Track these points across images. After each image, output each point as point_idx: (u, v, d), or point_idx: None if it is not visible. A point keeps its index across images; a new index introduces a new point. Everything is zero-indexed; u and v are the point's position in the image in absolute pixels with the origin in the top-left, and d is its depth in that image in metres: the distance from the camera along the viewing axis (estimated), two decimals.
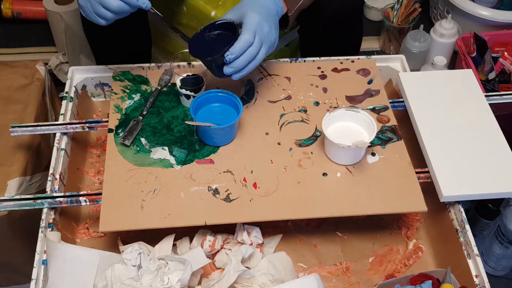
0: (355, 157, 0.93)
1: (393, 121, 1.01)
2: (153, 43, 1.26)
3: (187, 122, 0.96)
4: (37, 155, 1.11)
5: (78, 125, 1.01)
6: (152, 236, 0.89)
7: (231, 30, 0.88)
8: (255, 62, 0.87)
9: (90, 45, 1.22)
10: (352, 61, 1.12)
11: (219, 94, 0.96)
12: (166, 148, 0.95)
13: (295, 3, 0.95)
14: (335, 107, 1.02)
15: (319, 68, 1.10)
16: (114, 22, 0.88)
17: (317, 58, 1.12)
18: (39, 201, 0.89)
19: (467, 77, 1.09)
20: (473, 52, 1.46)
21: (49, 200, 0.89)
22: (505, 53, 1.46)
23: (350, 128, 0.95)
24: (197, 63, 1.01)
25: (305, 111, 1.02)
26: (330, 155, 0.94)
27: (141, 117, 1.00)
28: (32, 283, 0.81)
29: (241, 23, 0.87)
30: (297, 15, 0.98)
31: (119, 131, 0.97)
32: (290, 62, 1.11)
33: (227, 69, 0.86)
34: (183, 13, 1.25)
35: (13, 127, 1.00)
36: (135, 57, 1.12)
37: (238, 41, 0.84)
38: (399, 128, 1.00)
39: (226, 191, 0.89)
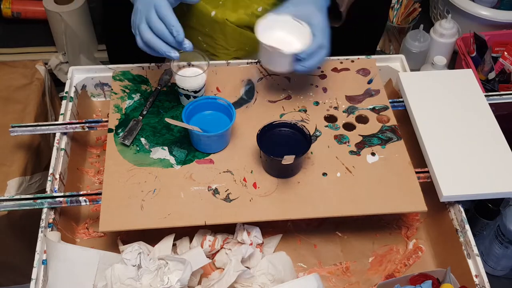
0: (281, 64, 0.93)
1: (393, 121, 1.01)
2: None
3: (167, 120, 0.91)
4: (37, 155, 1.11)
5: (78, 125, 1.01)
6: (152, 236, 0.89)
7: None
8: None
9: (106, 41, 1.20)
10: (352, 61, 1.12)
11: (217, 101, 0.95)
12: (166, 148, 0.95)
13: None
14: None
15: (319, 68, 1.10)
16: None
17: None
18: (39, 201, 0.89)
19: (467, 77, 1.09)
20: (473, 52, 1.46)
21: (49, 200, 0.89)
22: (505, 53, 1.46)
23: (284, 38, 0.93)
24: (197, 62, 1.01)
25: (305, 111, 1.02)
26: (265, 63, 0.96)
27: (141, 117, 1.00)
28: (32, 283, 0.81)
29: (303, 20, 0.90)
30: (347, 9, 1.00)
31: (119, 131, 0.97)
32: None
33: (299, 67, 0.90)
34: (183, 13, 1.24)
35: (13, 127, 1.00)
36: (150, 57, 1.10)
37: (313, 43, 0.88)
38: (399, 128, 1.00)
39: (226, 191, 0.89)
